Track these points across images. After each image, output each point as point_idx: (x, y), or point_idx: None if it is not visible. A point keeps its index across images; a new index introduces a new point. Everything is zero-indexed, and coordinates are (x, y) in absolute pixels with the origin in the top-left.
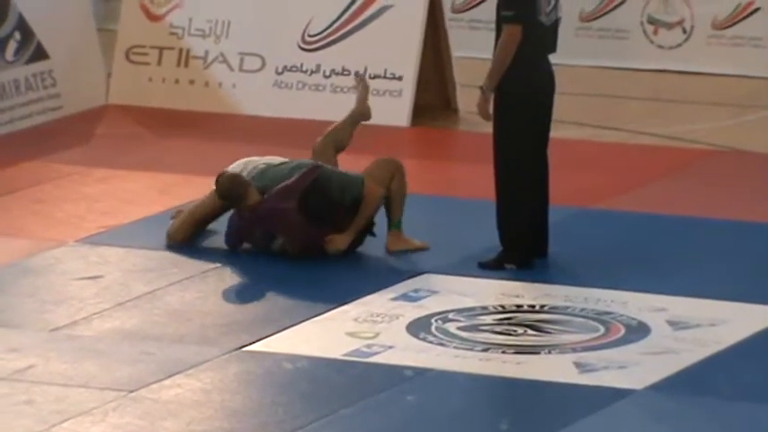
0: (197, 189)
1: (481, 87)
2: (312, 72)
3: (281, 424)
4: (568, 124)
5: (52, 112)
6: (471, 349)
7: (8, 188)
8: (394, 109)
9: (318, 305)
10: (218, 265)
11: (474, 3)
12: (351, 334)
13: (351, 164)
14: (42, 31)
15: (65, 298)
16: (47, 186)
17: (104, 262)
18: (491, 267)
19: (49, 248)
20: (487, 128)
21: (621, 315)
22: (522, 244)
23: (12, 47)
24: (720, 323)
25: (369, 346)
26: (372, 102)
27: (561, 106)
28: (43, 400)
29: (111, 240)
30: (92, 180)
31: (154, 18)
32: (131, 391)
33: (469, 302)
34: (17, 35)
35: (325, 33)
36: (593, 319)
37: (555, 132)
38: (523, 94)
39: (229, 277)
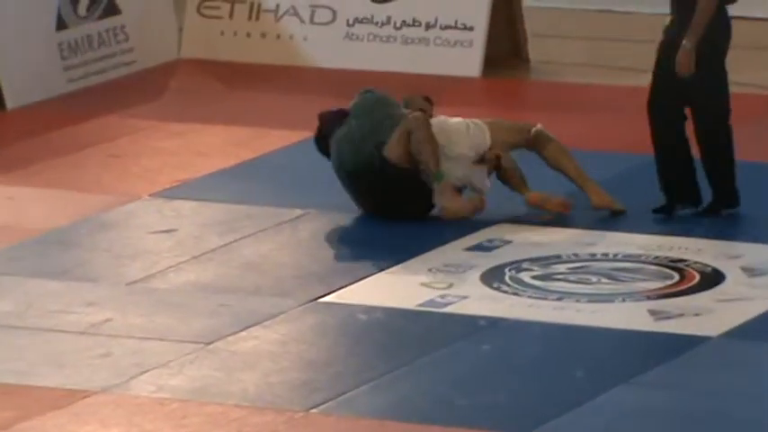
0: (270, 142)
1: (684, 44)
2: (383, 24)
3: (357, 374)
4: (641, 72)
5: (125, 67)
6: (545, 298)
7: (83, 143)
8: (465, 60)
9: (392, 256)
10: (293, 217)
11: None
12: (425, 284)
13: None
14: None
15: (140, 252)
16: (121, 141)
17: (179, 215)
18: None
19: (124, 203)
20: (559, 77)
21: (696, 262)
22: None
23: (84, 3)
24: None
25: (443, 296)
26: (443, 53)
27: (635, 54)
28: (121, 353)
29: (186, 194)
30: (166, 134)
31: None
32: (208, 344)
33: (543, 252)
34: None
35: None
36: (668, 267)
37: (629, 80)
38: (716, 43)
39: (303, 230)
